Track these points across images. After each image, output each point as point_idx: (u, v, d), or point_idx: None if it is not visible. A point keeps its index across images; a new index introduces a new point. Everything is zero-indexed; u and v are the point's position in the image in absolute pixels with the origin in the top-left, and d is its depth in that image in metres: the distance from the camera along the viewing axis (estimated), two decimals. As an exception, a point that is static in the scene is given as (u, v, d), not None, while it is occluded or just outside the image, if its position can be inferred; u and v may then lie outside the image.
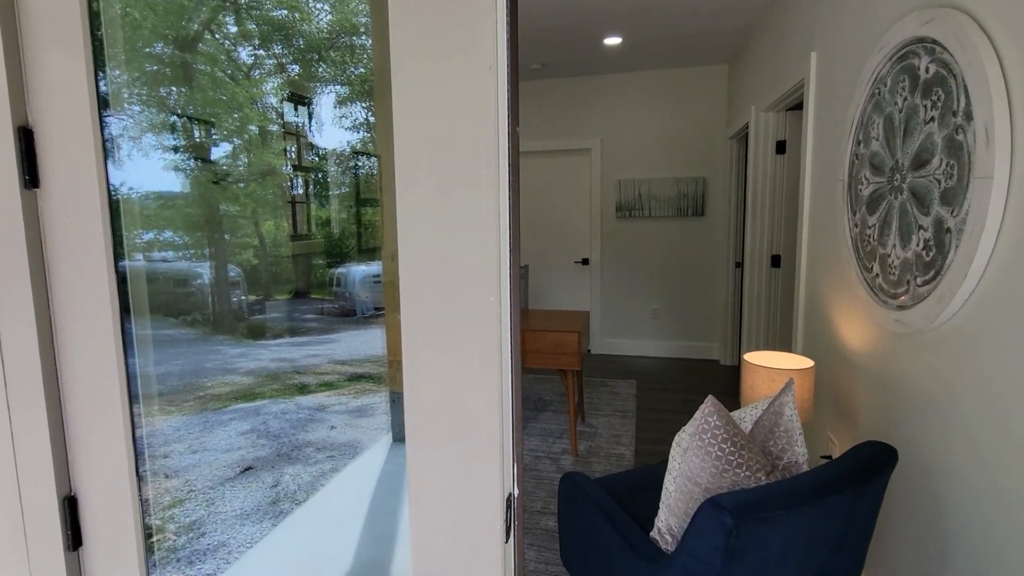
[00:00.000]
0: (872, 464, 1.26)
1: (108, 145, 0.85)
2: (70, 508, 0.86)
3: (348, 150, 4.83)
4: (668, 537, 1.39)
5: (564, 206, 5.21)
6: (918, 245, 1.41)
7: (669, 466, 1.42)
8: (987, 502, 1.18)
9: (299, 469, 3.89)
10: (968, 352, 1.23)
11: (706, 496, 1.31)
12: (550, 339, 2.92)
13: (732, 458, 1.28)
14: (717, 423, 1.31)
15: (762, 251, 3.45)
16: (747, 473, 1.28)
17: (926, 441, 1.40)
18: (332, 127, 4.77)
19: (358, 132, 4.60)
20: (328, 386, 5.77)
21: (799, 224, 2.46)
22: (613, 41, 3.87)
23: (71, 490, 0.87)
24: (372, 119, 4.35)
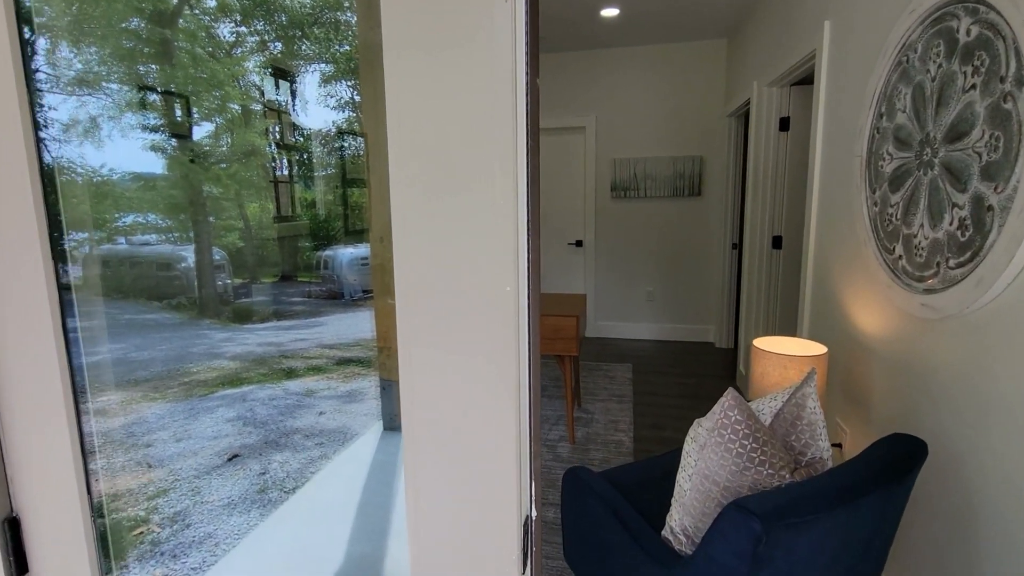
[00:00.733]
0: (905, 460, 1.18)
1: (40, 108, 0.71)
2: (12, 530, 0.74)
3: (333, 130, 4.63)
4: (682, 538, 1.31)
5: (558, 186, 5.07)
6: (951, 224, 1.31)
7: (683, 462, 1.33)
8: (1020, 501, 1.10)
9: (287, 456, 3.78)
10: (1012, 338, 1.14)
11: (725, 496, 1.22)
12: (548, 324, 2.81)
13: (754, 455, 1.19)
14: (738, 417, 1.21)
15: (763, 232, 3.36)
16: (770, 471, 1.19)
17: (958, 432, 1.31)
18: (317, 106, 4.55)
19: (343, 111, 4.40)
20: (317, 371, 5.64)
21: (807, 204, 2.36)
22: (610, 13, 3.71)
23: (12, 510, 0.75)
24: (358, 98, 4.16)
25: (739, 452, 1.19)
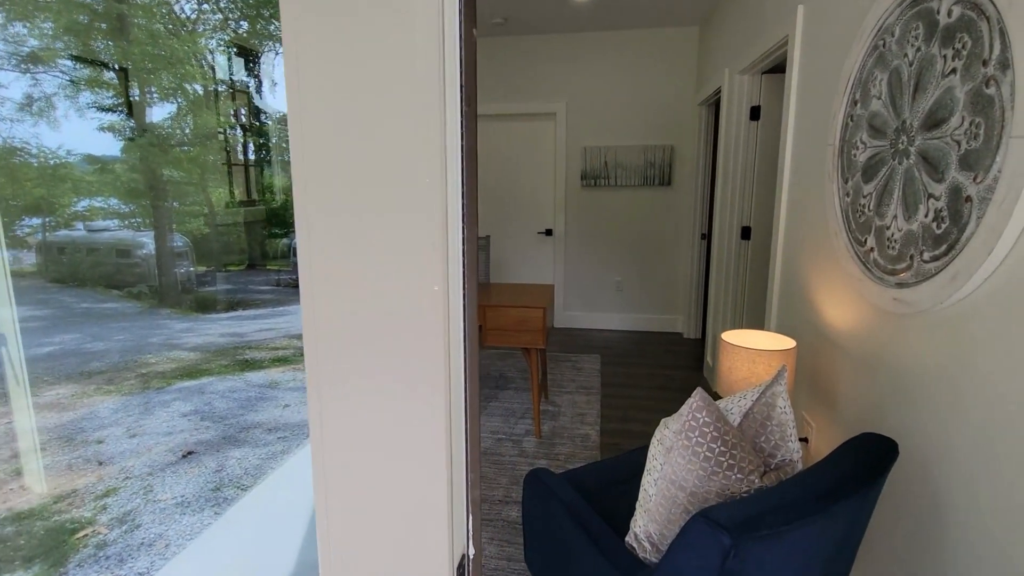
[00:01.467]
0: (876, 461, 1.13)
1: None
2: None
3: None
4: (647, 545, 1.24)
5: (527, 174, 4.96)
6: (927, 216, 1.26)
7: (649, 465, 1.25)
8: (988, 501, 1.06)
9: (246, 452, 3.61)
10: (987, 335, 1.09)
11: (692, 502, 1.15)
12: (513, 315, 2.72)
13: (722, 459, 1.12)
14: (706, 419, 1.14)
15: (732, 223, 3.33)
16: (739, 476, 1.12)
17: (928, 431, 1.27)
18: (285, 88, 4.33)
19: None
20: (282, 361, 5.45)
21: (777, 194, 2.31)
22: (582, -7, 3.59)
23: None
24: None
25: (707, 456, 1.12)
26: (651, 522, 1.22)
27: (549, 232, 5.00)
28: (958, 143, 1.16)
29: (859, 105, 1.61)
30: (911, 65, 1.34)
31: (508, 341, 2.75)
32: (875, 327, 1.52)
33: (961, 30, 1.15)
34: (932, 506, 1.25)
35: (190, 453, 3.54)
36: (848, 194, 1.67)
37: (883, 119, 1.46)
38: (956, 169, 1.16)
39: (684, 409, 1.17)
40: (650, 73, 4.51)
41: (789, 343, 1.84)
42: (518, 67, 4.69)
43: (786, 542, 0.97)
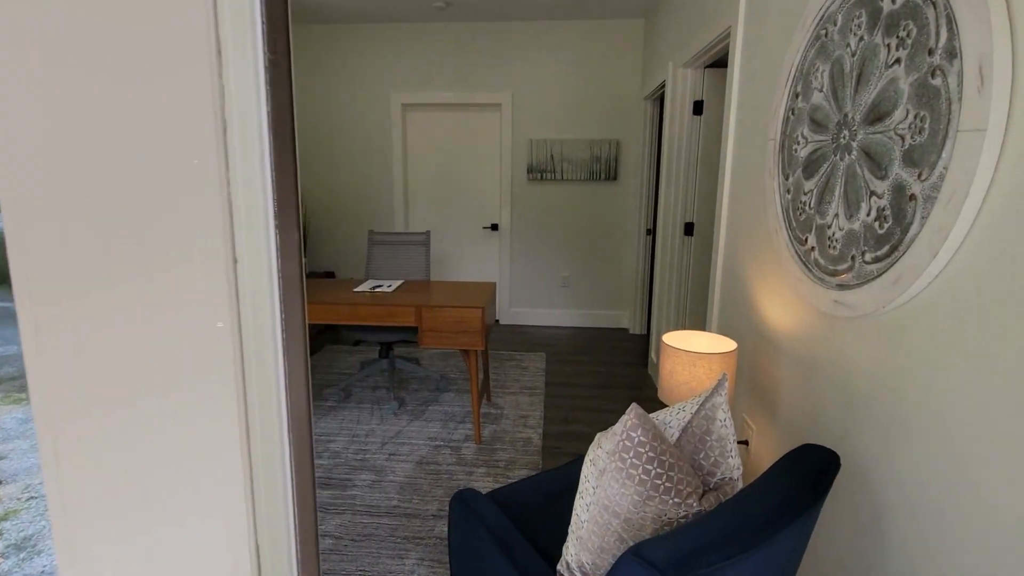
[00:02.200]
0: (819, 478, 1.05)
1: None
2: None
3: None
4: (579, 575, 1.12)
5: (472, 167, 4.79)
6: (869, 215, 1.20)
7: (581, 487, 1.14)
8: (926, 515, 1.01)
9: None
10: (932, 341, 1.03)
11: (626, 529, 1.04)
12: (450, 316, 2.56)
13: (659, 482, 1.01)
14: (641, 439, 1.03)
15: (675, 218, 3.29)
16: (676, 500, 1.02)
17: (867, 440, 1.22)
18: None
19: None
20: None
21: (719, 190, 2.26)
22: (524, -22, 3.45)
23: None
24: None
25: (642, 479, 1.01)
26: (583, 551, 1.10)
27: (495, 227, 4.86)
28: (902, 138, 1.09)
29: (800, 98, 1.54)
30: (854, 56, 1.27)
31: (445, 343, 2.59)
32: (816, 330, 1.46)
33: (906, 17, 1.09)
34: (873, 516, 1.20)
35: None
36: (789, 191, 1.61)
37: (825, 113, 1.40)
38: (900, 165, 1.10)
39: (618, 427, 1.06)
40: (596, 65, 4.44)
41: (730, 345, 1.78)
42: (462, 55, 4.50)
43: (728, 574, 0.87)
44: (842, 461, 1.30)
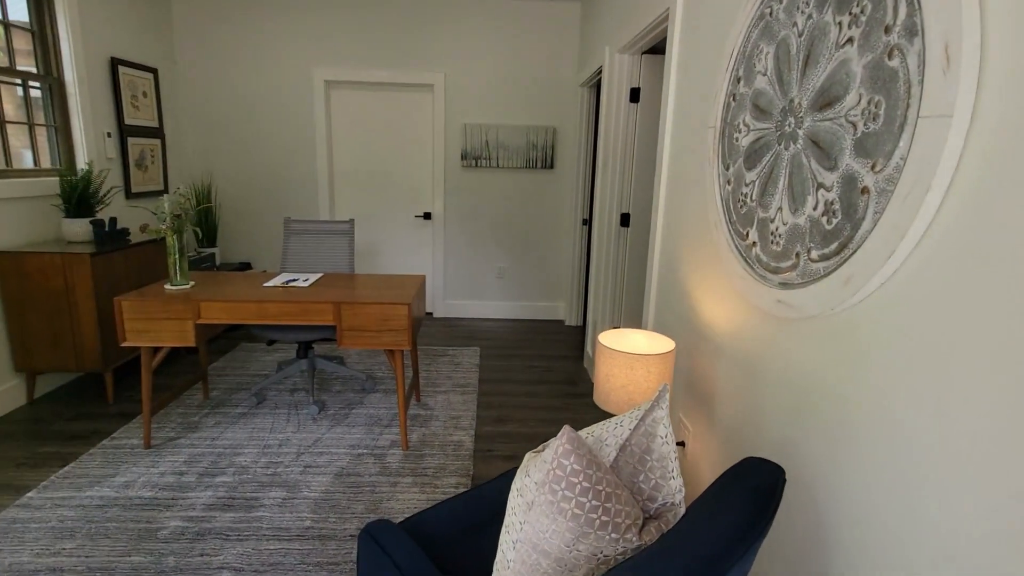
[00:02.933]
0: (768, 501, 0.95)
1: None
2: None
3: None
4: (504, 622, 0.97)
5: (403, 151, 4.52)
6: (815, 209, 1.11)
7: (508, 520, 0.98)
8: (874, 532, 0.93)
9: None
10: (885, 345, 0.95)
11: (558, 570, 0.89)
12: (373, 313, 2.34)
13: (594, 516, 0.88)
14: (575, 467, 0.88)
15: (611, 208, 3.20)
16: (614, 535, 0.89)
17: (812, 449, 1.14)
18: None
19: None
20: None
21: (656, 180, 2.17)
22: (455, -51, 3.21)
23: None
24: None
25: (575, 513, 0.87)
26: (509, 595, 0.95)
27: (428, 215, 4.63)
28: (854, 125, 1.00)
29: (742, 83, 1.45)
30: (801, 35, 1.18)
31: (368, 343, 2.37)
32: (759, 330, 1.38)
33: (860, -8, 0.99)
34: (817, 526, 1.13)
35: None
36: (729, 182, 1.52)
37: (768, 98, 1.30)
38: (851, 155, 1.00)
39: (548, 455, 0.91)
40: (533, 49, 4.27)
41: (668, 344, 1.68)
42: (391, 31, 4.21)
43: (670, 632, 0.74)
44: (787, 472, 1.22)
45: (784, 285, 1.23)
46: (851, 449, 1.02)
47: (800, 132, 1.17)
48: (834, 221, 1.05)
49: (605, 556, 0.90)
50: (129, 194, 3.66)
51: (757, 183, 1.36)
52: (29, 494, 2.10)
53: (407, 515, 2.05)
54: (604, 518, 0.88)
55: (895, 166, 0.89)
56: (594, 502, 0.88)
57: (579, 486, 0.88)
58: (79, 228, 2.96)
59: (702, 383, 1.73)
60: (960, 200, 0.79)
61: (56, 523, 1.94)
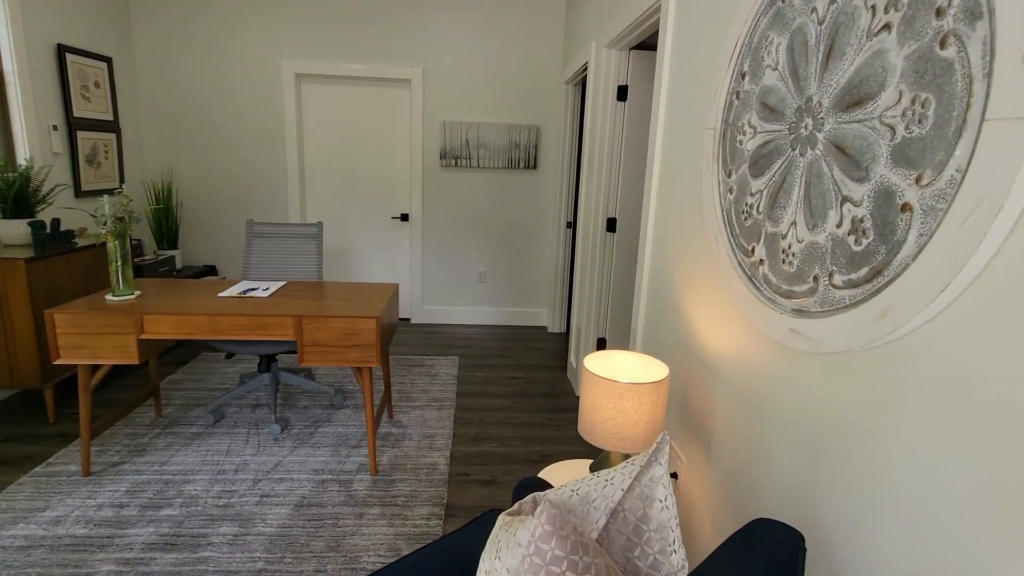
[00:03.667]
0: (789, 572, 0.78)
1: None
2: None
3: None
4: None
5: (379, 150, 4.31)
6: (839, 226, 0.95)
7: (474, 608, 0.80)
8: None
9: None
10: (929, 391, 0.78)
11: None
12: (337, 327, 2.14)
13: (581, 614, 0.70)
14: (557, 554, 0.71)
15: (596, 213, 3.04)
16: (605, 638, 0.71)
17: (834, 506, 0.98)
18: None
19: None
20: None
21: (646, 185, 2.00)
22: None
23: None
24: None
25: (557, 613, 0.69)
26: None
27: (405, 217, 4.42)
28: (891, 128, 0.83)
29: (747, 79, 1.28)
30: (821, 23, 1.01)
31: (333, 360, 2.17)
32: (766, 360, 1.22)
33: (900, -32, 0.83)
34: (836, 601, 0.97)
35: None
36: (731, 190, 1.35)
37: (780, 96, 1.14)
38: (887, 164, 0.84)
39: (524, 536, 0.73)
40: (516, 43, 4.09)
41: (661, 370, 1.51)
42: (367, 22, 3.99)
43: None
44: (803, 531, 1.06)
45: (799, 312, 1.06)
46: (884, 511, 0.86)
47: (820, 136, 1.01)
48: (864, 242, 0.89)
49: (594, 663, 0.72)
50: (79, 192, 3.39)
51: (765, 193, 1.19)
52: (-58, 533, 1.86)
53: (371, 553, 1.85)
54: (593, 617, 0.70)
55: (949, 179, 0.73)
56: (581, 598, 0.70)
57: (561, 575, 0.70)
58: (16, 230, 2.70)
59: (698, 411, 1.57)
60: (1041, 224, 0.63)
61: (-31, 569, 1.70)
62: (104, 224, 2.12)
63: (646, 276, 2.01)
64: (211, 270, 4.16)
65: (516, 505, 0.94)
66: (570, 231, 4.32)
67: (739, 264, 1.30)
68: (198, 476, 2.24)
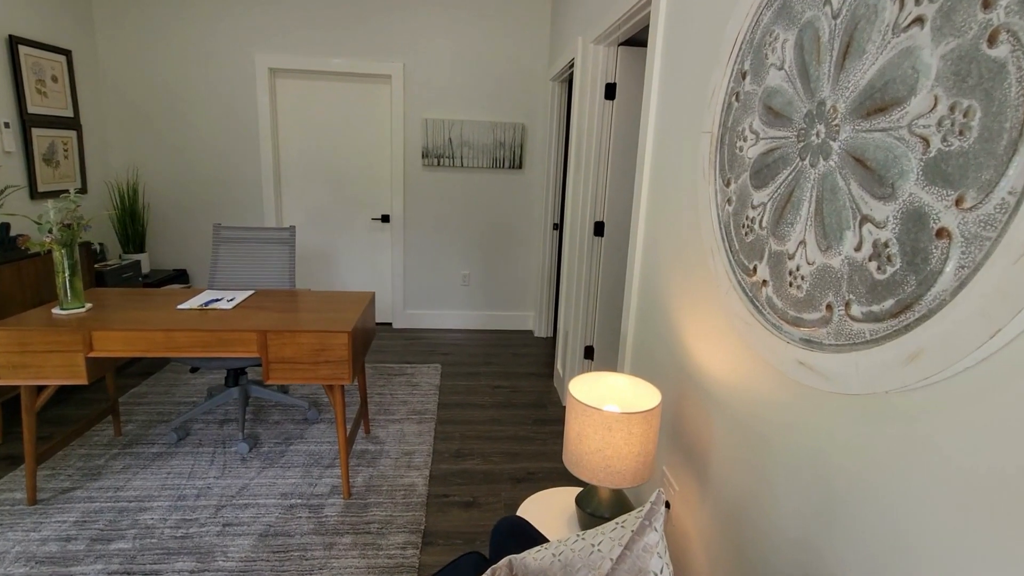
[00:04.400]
0: None
1: None
2: None
3: None
4: None
5: (358, 149, 4.14)
6: (858, 249, 0.83)
7: None
8: None
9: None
10: (958, 453, 0.67)
11: None
12: (306, 343, 1.99)
13: None
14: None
15: (584, 216, 2.91)
16: None
17: (840, 560, 0.86)
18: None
19: None
20: None
21: (635, 190, 1.88)
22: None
23: None
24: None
25: None
26: None
27: (386, 218, 4.26)
28: (924, 139, 0.71)
29: (749, 79, 1.16)
30: (836, 16, 0.89)
31: (301, 377, 2.02)
32: (769, 391, 1.10)
33: (936, -49, 0.70)
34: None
35: None
36: (730, 201, 1.23)
37: (786, 98, 1.02)
38: (918, 182, 0.72)
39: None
40: (500, 38, 3.95)
41: (653, 396, 1.39)
42: (345, 14, 3.82)
43: None
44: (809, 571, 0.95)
45: (808, 343, 0.94)
46: (908, 573, 0.75)
47: (834, 145, 0.89)
48: (889, 269, 0.77)
49: None
50: (35, 194, 3.19)
51: (769, 206, 1.07)
52: None
53: (342, 589, 1.71)
54: None
55: (1000, 203, 0.61)
56: None
57: None
58: (-41, 236, 2.51)
59: (692, 438, 1.45)
60: (1124, 264, 0.51)
61: None
62: (49, 231, 1.95)
63: (636, 286, 1.89)
64: (182, 274, 3.97)
65: (489, 571, 0.81)
66: (556, 233, 4.20)
67: (739, 283, 1.18)
68: (156, 503, 2.08)
